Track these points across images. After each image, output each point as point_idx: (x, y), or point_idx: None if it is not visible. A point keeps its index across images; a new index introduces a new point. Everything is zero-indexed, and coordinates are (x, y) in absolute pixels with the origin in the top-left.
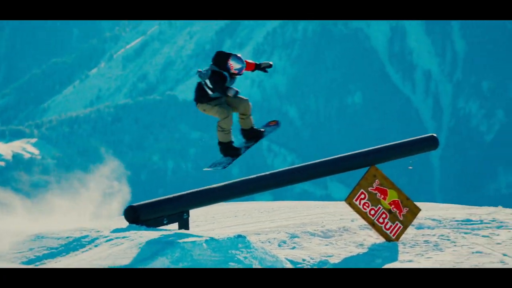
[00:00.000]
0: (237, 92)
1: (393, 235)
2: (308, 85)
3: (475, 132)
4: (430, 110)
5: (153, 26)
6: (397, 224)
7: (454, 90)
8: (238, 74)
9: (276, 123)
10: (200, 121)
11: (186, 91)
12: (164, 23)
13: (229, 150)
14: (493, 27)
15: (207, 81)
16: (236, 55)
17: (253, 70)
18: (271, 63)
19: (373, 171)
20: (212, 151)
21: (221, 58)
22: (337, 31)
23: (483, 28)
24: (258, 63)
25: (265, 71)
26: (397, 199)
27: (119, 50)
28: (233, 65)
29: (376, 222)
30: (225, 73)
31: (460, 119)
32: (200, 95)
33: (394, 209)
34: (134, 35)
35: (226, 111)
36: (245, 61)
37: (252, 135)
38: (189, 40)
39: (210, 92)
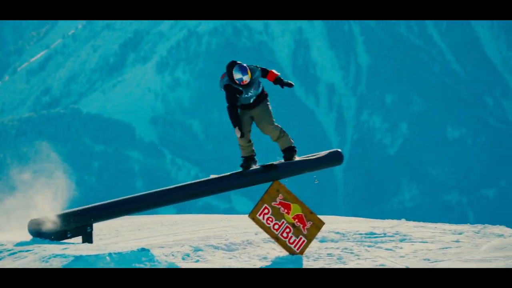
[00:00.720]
0: (242, 134)
1: (297, 249)
2: (212, 98)
3: (378, 145)
4: (333, 123)
5: (57, 40)
6: (301, 238)
7: (357, 103)
8: (239, 84)
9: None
10: (103, 134)
11: (90, 104)
12: (68, 36)
13: (244, 163)
14: (397, 41)
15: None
16: (240, 65)
17: (274, 82)
18: (293, 84)
19: (276, 186)
20: (115, 164)
21: (228, 69)
22: (241, 44)
23: (387, 41)
24: (281, 77)
25: (282, 87)
26: (300, 213)
27: (23, 63)
28: (234, 75)
29: (280, 236)
30: (232, 83)
31: (364, 132)
32: None
33: (298, 223)
34: (38, 48)
35: (238, 132)
36: (271, 71)
37: (285, 157)
38: (93, 54)
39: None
